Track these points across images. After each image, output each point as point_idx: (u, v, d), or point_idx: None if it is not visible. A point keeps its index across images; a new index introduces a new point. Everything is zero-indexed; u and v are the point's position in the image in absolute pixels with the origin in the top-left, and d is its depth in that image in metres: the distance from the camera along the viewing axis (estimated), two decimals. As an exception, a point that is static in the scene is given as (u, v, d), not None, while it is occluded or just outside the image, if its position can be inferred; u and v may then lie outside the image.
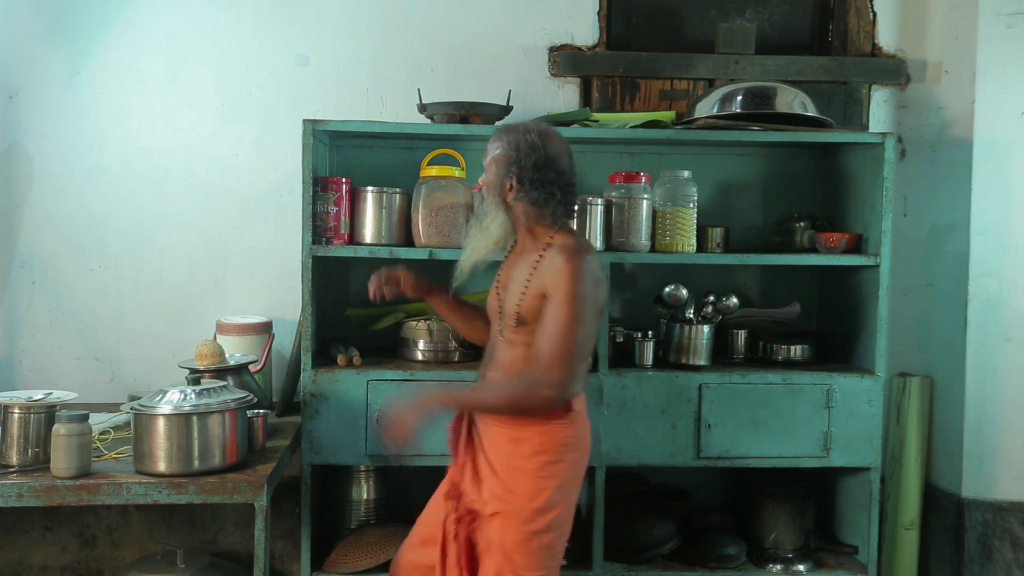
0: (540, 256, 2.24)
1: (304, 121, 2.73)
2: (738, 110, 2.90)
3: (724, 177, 3.23)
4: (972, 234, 3.09)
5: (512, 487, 2.23)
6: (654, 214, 2.89)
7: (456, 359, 2.91)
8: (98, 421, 2.63)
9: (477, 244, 2.33)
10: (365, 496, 3.03)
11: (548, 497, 2.22)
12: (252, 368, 2.85)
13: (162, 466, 2.32)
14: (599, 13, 3.27)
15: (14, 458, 2.36)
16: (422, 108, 2.91)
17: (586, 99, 3.27)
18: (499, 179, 2.28)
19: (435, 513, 2.40)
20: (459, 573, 2.29)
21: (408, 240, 2.87)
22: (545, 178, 2.24)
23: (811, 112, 2.94)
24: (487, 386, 2.34)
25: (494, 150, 2.30)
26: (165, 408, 2.32)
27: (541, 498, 2.22)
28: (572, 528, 3.03)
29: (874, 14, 3.35)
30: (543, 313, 2.19)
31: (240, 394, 2.47)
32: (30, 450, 2.37)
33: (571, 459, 2.26)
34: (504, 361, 2.31)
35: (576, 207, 2.39)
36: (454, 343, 2.91)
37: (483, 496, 2.27)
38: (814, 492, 3.12)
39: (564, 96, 3.26)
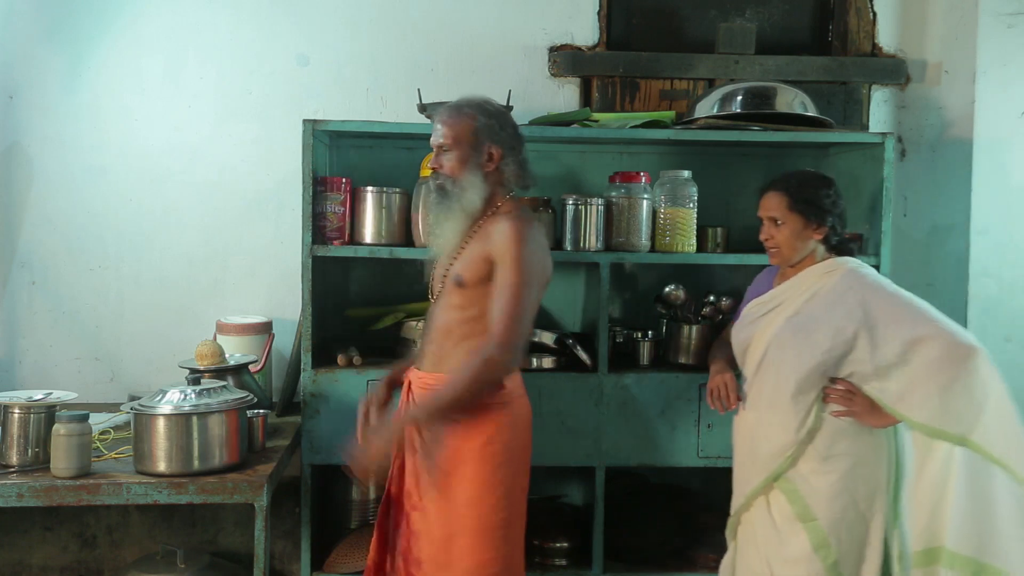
0: (482, 222, 2.27)
1: (304, 121, 2.73)
2: (738, 110, 2.90)
3: (724, 177, 3.23)
4: (972, 234, 3.09)
5: (450, 471, 2.23)
6: (654, 214, 2.89)
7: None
8: (98, 421, 2.62)
9: (456, 224, 2.28)
10: (365, 496, 3.03)
11: (487, 480, 2.22)
12: (252, 368, 2.85)
13: (162, 466, 2.32)
14: (599, 13, 3.27)
15: (14, 458, 2.36)
16: (422, 108, 2.91)
17: (586, 99, 3.27)
18: (476, 151, 2.26)
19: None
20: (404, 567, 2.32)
21: (408, 240, 2.86)
22: (519, 143, 2.32)
23: (811, 112, 2.94)
24: (444, 383, 2.24)
25: (458, 126, 2.26)
26: (165, 408, 2.32)
27: (479, 481, 2.22)
28: (572, 528, 3.03)
29: (874, 14, 3.35)
30: (494, 280, 2.20)
31: (240, 394, 2.47)
32: (30, 450, 2.37)
33: (507, 439, 2.25)
34: (439, 326, 2.29)
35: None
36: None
37: (420, 487, 2.28)
38: (814, 492, 3.12)
39: (564, 96, 3.26)
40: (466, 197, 2.26)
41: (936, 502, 2.19)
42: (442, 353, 2.29)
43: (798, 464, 2.25)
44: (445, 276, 2.29)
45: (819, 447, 2.24)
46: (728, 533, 2.45)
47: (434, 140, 2.30)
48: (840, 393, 2.23)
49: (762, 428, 2.31)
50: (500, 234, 2.20)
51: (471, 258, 2.23)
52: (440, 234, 2.31)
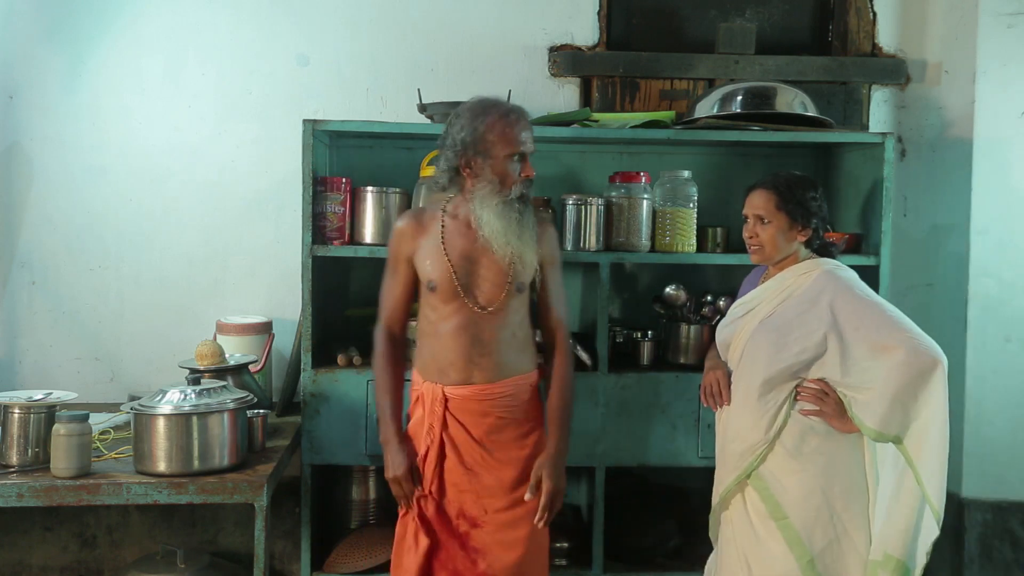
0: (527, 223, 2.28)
1: (304, 121, 2.73)
2: (738, 110, 2.90)
3: (724, 177, 3.23)
4: (972, 234, 3.09)
5: (520, 475, 2.32)
6: (654, 214, 2.89)
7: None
8: (98, 421, 2.63)
9: (532, 230, 2.33)
10: (365, 496, 3.03)
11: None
12: (252, 368, 2.85)
13: (162, 466, 2.32)
14: (599, 13, 3.27)
15: (14, 458, 2.36)
16: (422, 108, 2.91)
17: (586, 99, 3.27)
18: None
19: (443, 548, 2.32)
20: None
21: (408, 240, 2.86)
22: None
23: (811, 112, 2.94)
24: (554, 405, 2.35)
25: None
26: (165, 408, 2.32)
27: (527, 476, 2.34)
28: (572, 528, 3.03)
29: (874, 14, 3.35)
30: (548, 279, 2.38)
31: (240, 394, 2.47)
32: (30, 450, 2.37)
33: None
34: (502, 335, 2.30)
35: None
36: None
37: (483, 502, 2.28)
38: (814, 492, 3.11)
39: (564, 96, 3.26)
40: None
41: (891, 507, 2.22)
42: (506, 359, 2.31)
43: (768, 462, 2.25)
44: (509, 284, 2.28)
45: (787, 444, 2.24)
46: (711, 533, 2.46)
47: (530, 148, 2.28)
48: (813, 392, 2.23)
49: (733, 427, 2.32)
50: (550, 238, 2.38)
51: (528, 263, 2.29)
52: (526, 243, 2.27)
